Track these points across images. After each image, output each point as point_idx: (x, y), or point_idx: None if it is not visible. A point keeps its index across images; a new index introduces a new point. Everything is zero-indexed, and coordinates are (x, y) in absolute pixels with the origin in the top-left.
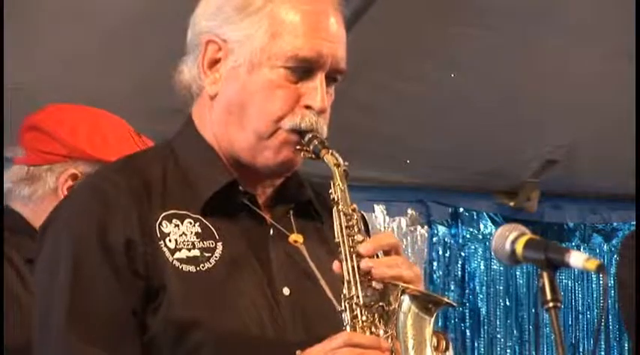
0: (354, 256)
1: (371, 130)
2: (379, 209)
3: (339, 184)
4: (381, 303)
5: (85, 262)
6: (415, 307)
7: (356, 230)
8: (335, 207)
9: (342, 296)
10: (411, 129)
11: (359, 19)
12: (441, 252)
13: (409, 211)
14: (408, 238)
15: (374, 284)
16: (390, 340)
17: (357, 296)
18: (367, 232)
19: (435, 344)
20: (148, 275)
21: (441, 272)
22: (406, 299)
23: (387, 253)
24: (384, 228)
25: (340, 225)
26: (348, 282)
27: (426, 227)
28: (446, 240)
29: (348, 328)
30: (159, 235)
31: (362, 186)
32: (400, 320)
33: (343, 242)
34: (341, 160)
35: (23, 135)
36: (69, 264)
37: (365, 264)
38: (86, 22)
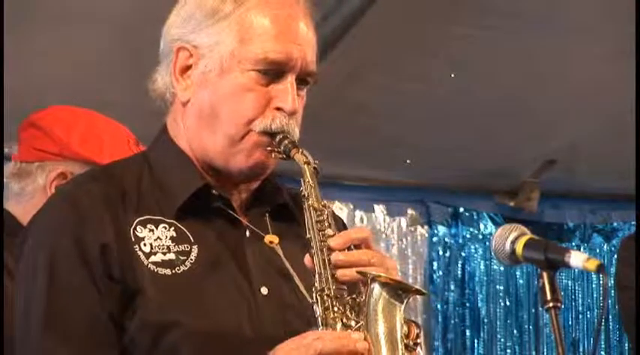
0: (324, 249)
1: (371, 130)
2: (379, 209)
3: (309, 181)
4: (352, 295)
5: (61, 269)
6: (386, 293)
7: (326, 224)
8: (305, 203)
9: (313, 288)
10: (411, 130)
11: (359, 20)
12: (441, 252)
13: (409, 211)
14: (408, 238)
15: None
16: (361, 330)
17: (328, 288)
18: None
19: (406, 332)
20: (123, 279)
21: (441, 272)
22: (376, 287)
23: (357, 247)
24: (384, 227)
25: (311, 220)
26: (319, 275)
27: (426, 227)
28: (446, 240)
29: (319, 320)
30: (133, 239)
31: (362, 186)
32: (371, 307)
33: (314, 236)
34: (311, 159)
35: (21, 132)
36: (45, 273)
37: (335, 256)
38: (88, 24)
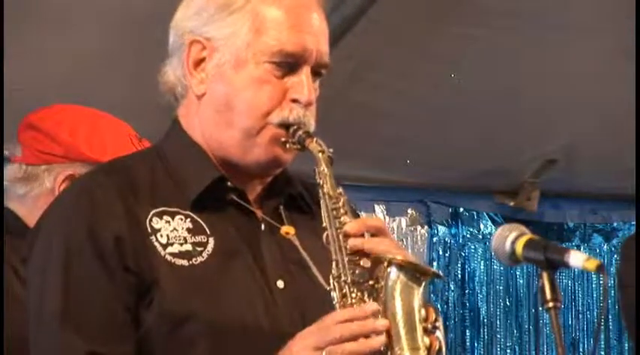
0: (340, 236)
1: (371, 130)
2: (379, 209)
3: (323, 169)
4: (369, 281)
5: (76, 261)
6: (403, 276)
7: (342, 212)
8: (321, 191)
9: (330, 275)
10: (411, 130)
11: (359, 20)
12: (441, 252)
13: (409, 211)
14: (408, 238)
15: (362, 262)
16: (379, 316)
17: (345, 275)
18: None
19: (425, 316)
20: (139, 270)
21: (440, 272)
22: (393, 270)
23: (373, 236)
24: None
25: (326, 207)
26: (336, 261)
27: (426, 227)
28: (446, 240)
29: (337, 306)
30: (149, 231)
31: (362, 186)
32: (388, 290)
33: (330, 223)
34: (325, 147)
35: (22, 134)
36: (59, 265)
37: (353, 241)
38: (88, 22)
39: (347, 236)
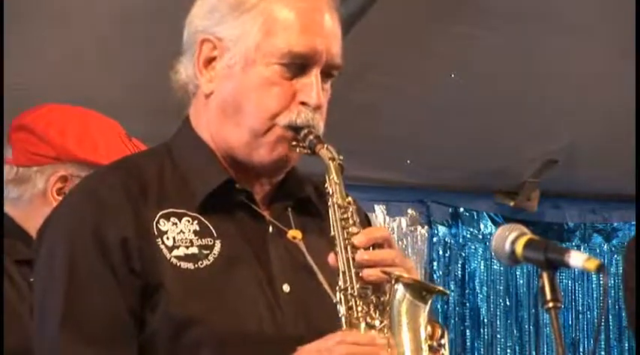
0: (348, 248)
1: (371, 130)
2: (379, 209)
3: (333, 177)
4: (375, 294)
5: (81, 263)
6: (409, 295)
7: (351, 222)
8: (330, 200)
9: (337, 288)
10: (411, 130)
11: (360, 20)
12: (441, 252)
13: (409, 211)
14: (408, 238)
15: (367, 277)
16: (385, 330)
17: (352, 288)
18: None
19: (430, 333)
20: (145, 272)
21: (441, 272)
22: (400, 288)
23: (380, 246)
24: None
25: (335, 218)
26: (343, 274)
27: (426, 227)
28: (446, 240)
29: (343, 319)
30: (156, 233)
31: (362, 186)
32: (394, 308)
33: (338, 234)
34: (336, 154)
35: (12, 135)
36: (64, 267)
37: (360, 256)
38: (84, 22)
39: (355, 248)
